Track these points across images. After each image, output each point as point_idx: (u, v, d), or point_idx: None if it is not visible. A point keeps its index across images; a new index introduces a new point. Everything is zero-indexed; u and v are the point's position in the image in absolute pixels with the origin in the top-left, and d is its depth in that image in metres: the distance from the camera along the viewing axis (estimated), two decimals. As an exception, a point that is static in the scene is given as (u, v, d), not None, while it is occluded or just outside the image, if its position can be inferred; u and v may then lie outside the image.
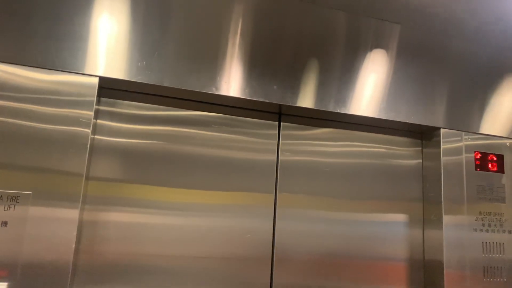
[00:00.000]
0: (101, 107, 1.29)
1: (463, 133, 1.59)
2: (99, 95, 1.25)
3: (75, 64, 1.16)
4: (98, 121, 1.28)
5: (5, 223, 1.05)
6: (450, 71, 1.63)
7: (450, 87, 1.61)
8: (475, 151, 1.59)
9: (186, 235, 1.31)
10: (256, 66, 1.35)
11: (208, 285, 1.31)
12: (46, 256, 1.07)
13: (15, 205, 1.06)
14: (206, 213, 1.35)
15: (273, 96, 1.35)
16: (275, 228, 1.41)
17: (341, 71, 1.46)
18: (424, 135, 1.67)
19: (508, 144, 1.65)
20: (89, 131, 1.15)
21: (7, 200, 1.05)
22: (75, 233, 1.10)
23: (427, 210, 1.60)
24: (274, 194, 1.44)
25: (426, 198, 1.62)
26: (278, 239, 1.41)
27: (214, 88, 1.29)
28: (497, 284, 1.51)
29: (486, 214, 1.55)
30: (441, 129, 1.57)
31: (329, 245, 1.47)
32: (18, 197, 1.06)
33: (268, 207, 1.42)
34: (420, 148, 1.67)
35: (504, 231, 1.56)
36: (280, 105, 1.38)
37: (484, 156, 1.60)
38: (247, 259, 1.36)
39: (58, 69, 1.15)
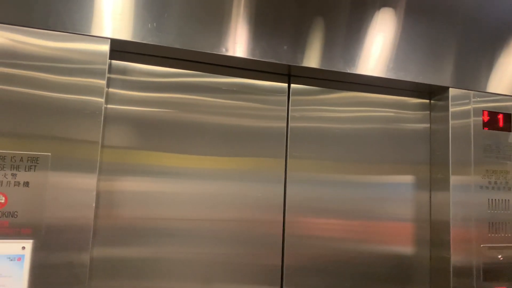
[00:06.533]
0: (113, 76, 1.29)
1: (472, 93, 1.59)
2: (111, 58, 1.24)
3: (85, 26, 1.16)
4: (110, 89, 1.28)
5: (26, 184, 1.08)
6: (459, 29, 1.61)
7: (459, 46, 1.60)
8: (483, 110, 1.60)
9: (199, 199, 1.34)
10: (264, 26, 1.34)
11: (222, 246, 1.36)
12: (67, 217, 1.10)
13: (35, 166, 1.09)
14: (218, 178, 1.37)
15: (283, 56, 1.35)
16: (286, 192, 1.44)
17: (348, 30, 1.45)
18: (432, 96, 1.67)
19: (515, 103, 1.66)
20: (102, 100, 1.16)
21: (27, 161, 1.08)
22: (94, 196, 1.13)
23: (434, 172, 1.62)
24: (284, 159, 1.46)
25: (433, 161, 1.64)
26: (289, 202, 1.44)
27: (224, 49, 1.29)
28: (501, 239, 1.55)
29: (493, 172, 1.58)
30: (450, 89, 1.57)
31: (338, 207, 1.51)
32: (38, 158, 1.09)
33: (279, 172, 1.45)
34: (428, 112, 1.68)
35: (509, 189, 1.59)
36: (289, 66, 1.38)
37: (491, 115, 1.61)
38: (260, 221, 1.40)
39: (69, 31, 1.14)
